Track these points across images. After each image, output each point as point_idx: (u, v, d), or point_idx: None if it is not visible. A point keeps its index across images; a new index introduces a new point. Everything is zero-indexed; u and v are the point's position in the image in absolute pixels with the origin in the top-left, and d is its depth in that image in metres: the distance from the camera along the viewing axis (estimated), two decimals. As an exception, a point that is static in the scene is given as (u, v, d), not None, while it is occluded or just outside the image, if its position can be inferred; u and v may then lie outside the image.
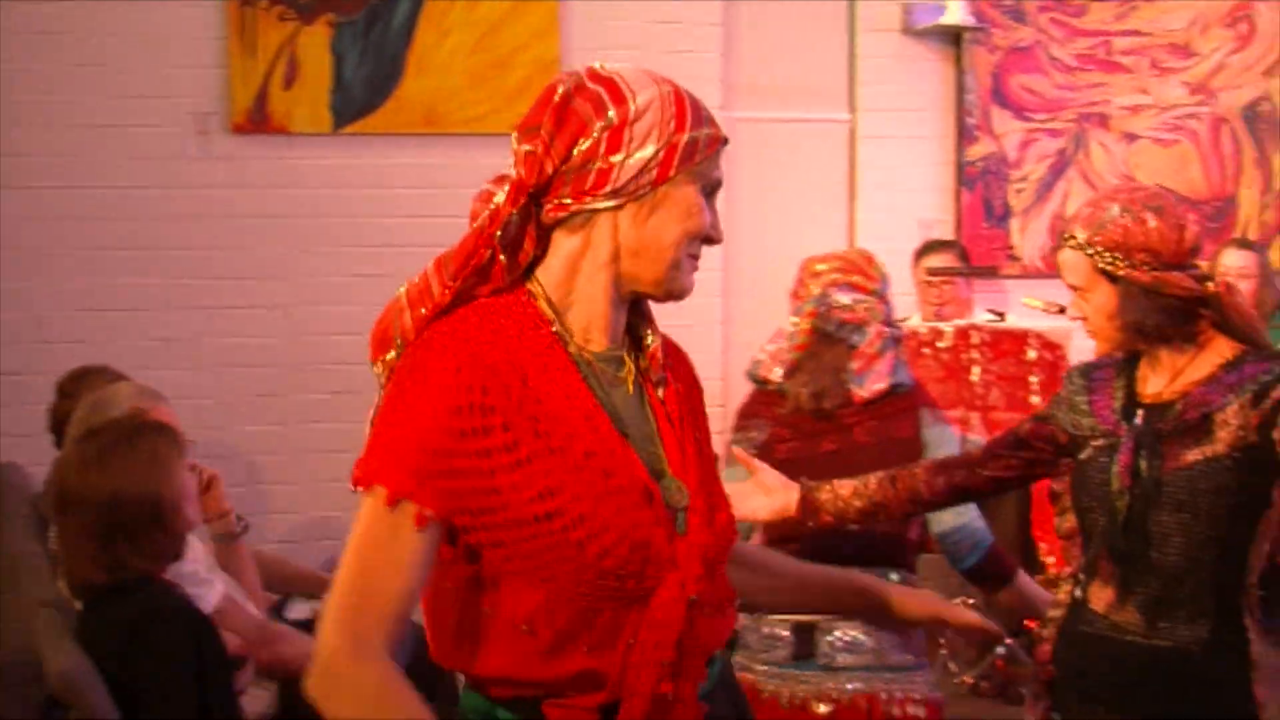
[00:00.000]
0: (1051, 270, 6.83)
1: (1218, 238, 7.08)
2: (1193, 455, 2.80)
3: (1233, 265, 6.63)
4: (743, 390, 4.10)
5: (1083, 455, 2.98)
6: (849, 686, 3.77)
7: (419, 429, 2.02)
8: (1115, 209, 2.88)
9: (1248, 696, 2.81)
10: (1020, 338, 5.67)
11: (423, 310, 2.12)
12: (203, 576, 4.04)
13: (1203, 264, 2.93)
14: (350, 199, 5.95)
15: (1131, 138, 7.14)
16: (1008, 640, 5.67)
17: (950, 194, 6.88)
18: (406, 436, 2.03)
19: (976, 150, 6.93)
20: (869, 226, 6.59)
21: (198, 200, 5.80)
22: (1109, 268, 2.83)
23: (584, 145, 2.08)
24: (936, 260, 6.41)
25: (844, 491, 3.26)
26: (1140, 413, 2.92)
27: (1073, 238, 2.89)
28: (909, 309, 6.26)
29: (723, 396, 6.31)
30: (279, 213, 5.84)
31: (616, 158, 2.07)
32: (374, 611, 2.01)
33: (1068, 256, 2.92)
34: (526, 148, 2.10)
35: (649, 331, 2.25)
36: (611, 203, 2.09)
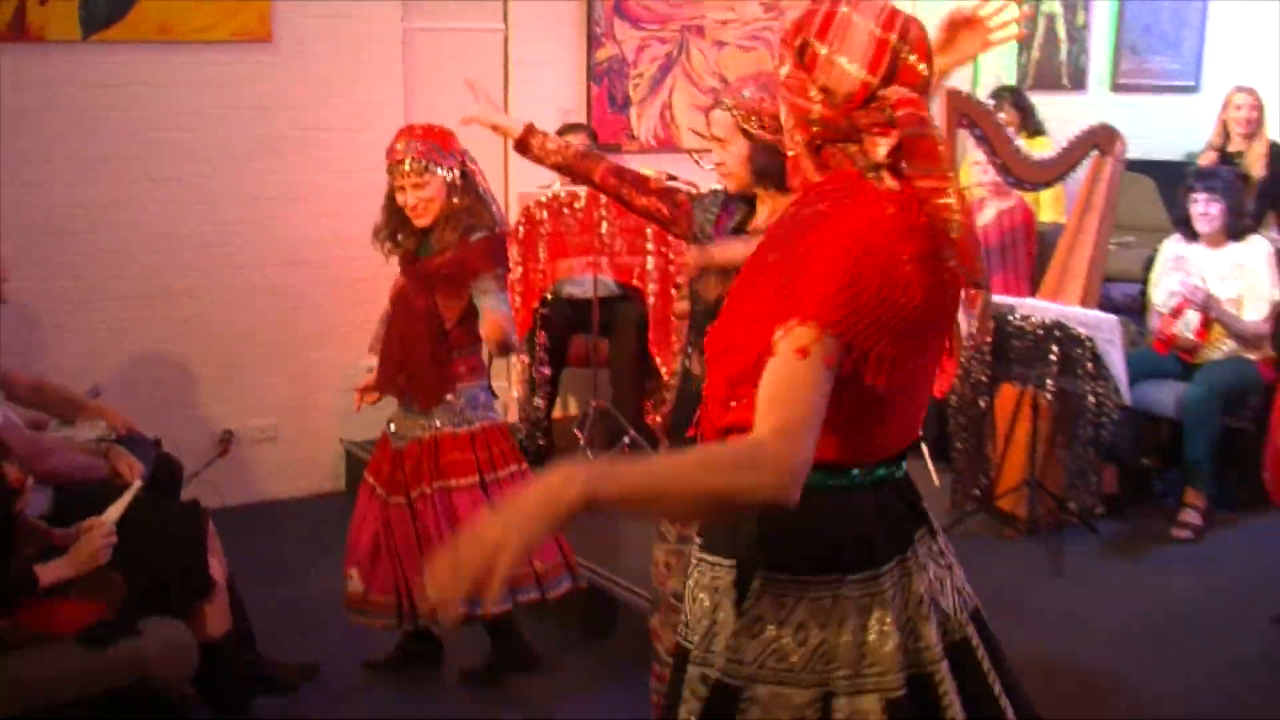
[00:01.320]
0: (662, 147, 7.15)
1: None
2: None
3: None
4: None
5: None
6: None
7: None
8: (752, 87, 3.13)
9: None
10: (638, 200, 5.86)
11: None
12: (-18, 404, 4.02)
13: None
14: (96, 98, 5.83)
15: (721, 45, 7.33)
16: (632, 432, 6.01)
17: (583, 88, 6.99)
18: None
19: (603, 53, 7.03)
20: (519, 114, 6.64)
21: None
22: (745, 125, 3.09)
23: None
24: (572, 139, 6.56)
25: (551, 145, 3.54)
26: (745, 233, 3.19)
27: (725, 103, 3.15)
28: (553, 178, 6.42)
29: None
30: (33, 106, 5.68)
31: None
32: None
33: (719, 115, 3.16)
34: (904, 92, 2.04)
35: None
36: None
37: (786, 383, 1.93)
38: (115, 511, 3.67)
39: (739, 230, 3.25)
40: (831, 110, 2.06)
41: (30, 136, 5.70)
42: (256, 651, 4.19)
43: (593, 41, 7.02)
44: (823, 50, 2.05)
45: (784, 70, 2.12)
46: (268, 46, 6.13)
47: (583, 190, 6.03)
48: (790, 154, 2.15)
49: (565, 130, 6.57)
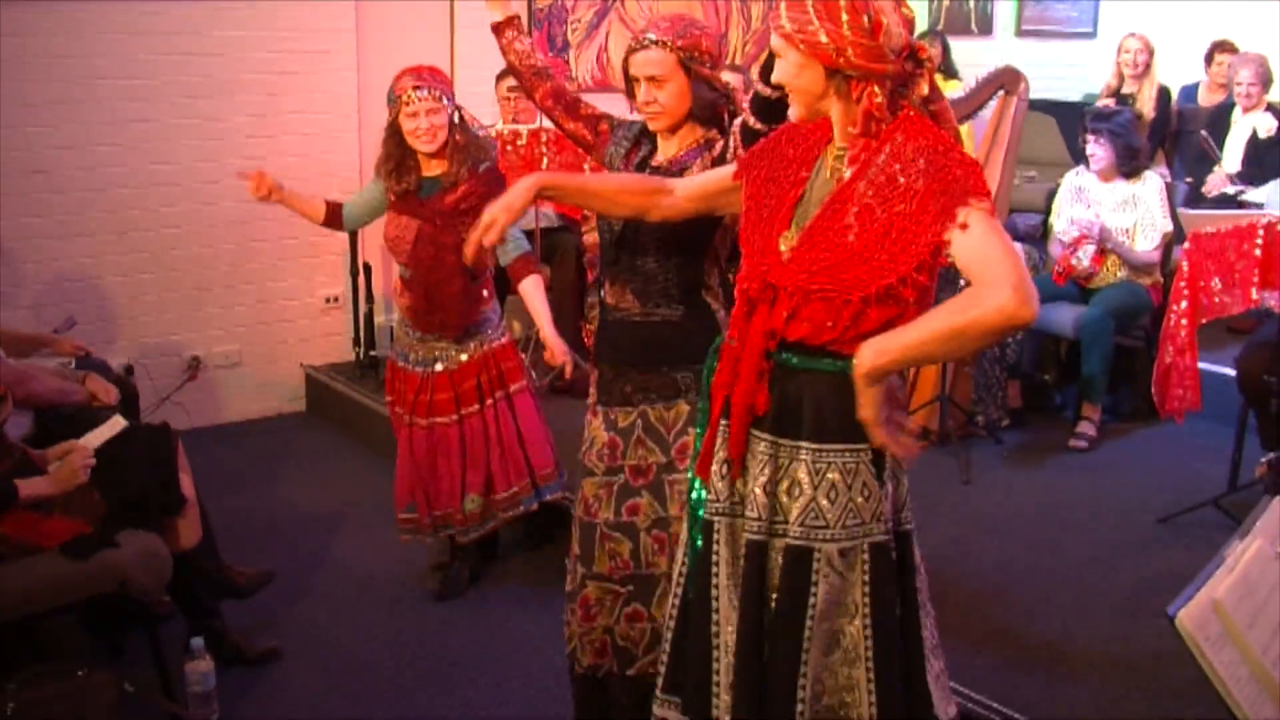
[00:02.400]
0: (598, 86, 7.10)
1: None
2: None
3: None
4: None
5: None
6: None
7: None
8: (686, 24, 3.07)
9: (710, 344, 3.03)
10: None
11: None
12: (-36, 335, 4.04)
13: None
14: (68, 47, 5.75)
15: (658, -8, 7.34)
16: (572, 353, 6.02)
17: (525, 30, 6.94)
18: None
19: (543, 1, 7.02)
20: (466, 57, 6.64)
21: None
22: (688, 61, 3.01)
23: None
24: (513, 79, 6.53)
25: (519, 46, 3.50)
26: (648, 171, 3.15)
27: (661, 41, 3.02)
28: (495, 117, 6.42)
29: (359, 178, 6.46)
30: (8, 56, 5.58)
31: None
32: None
33: (656, 54, 3.02)
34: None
35: None
36: None
37: (996, 235, 2.26)
38: (97, 440, 3.67)
39: (642, 166, 3.19)
40: (896, 65, 2.35)
41: (5, 84, 5.62)
42: (218, 558, 4.21)
43: (536, -12, 6.98)
44: (884, 19, 2.32)
45: (851, 52, 2.33)
46: (227, -2, 6.11)
47: (524, 128, 6.03)
48: (865, 105, 2.36)
49: (506, 72, 6.54)
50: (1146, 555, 4.56)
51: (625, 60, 3.13)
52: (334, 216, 4.48)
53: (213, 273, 6.30)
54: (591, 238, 3.34)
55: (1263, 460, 4.86)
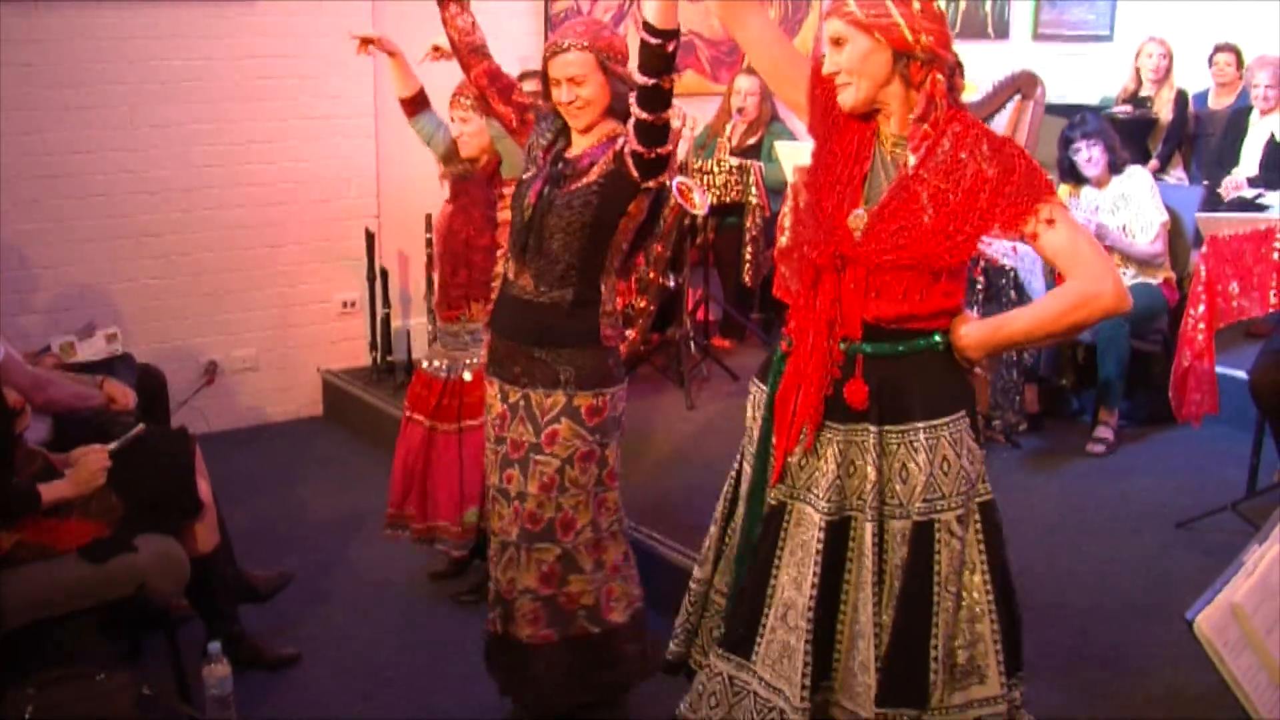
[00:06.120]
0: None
1: (732, 68, 7.42)
2: (575, 185, 3.27)
3: (744, 86, 6.96)
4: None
5: (522, 175, 3.41)
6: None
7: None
8: (600, 28, 3.27)
9: (597, 330, 3.32)
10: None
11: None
12: (-15, 340, 4.06)
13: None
14: (87, 51, 5.78)
15: (670, -5, 7.32)
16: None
17: (541, 37, 6.91)
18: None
19: (560, 4, 7.02)
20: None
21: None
22: (605, 60, 3.20)
23: None
24: (530, 84, 6.54)
25: (460, 23, 3.52)
26: (560, 164, 3.32)
27: (580, 44, 3.19)
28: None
29: (376, 183, 6.48)
30: (28, 60, 5.62)
31: None
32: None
33: (575, 55, 3.19)
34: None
35: None
36: None
37: (1081, 232, 2.52)
38: (115, 444, 3.69)
39: (557, 160, 3.35)
40: (953, 54, 2.54)
41: (25, 88, 5.66)
42: (236, 563, 4.23)
43: (551, -7, 6.98)
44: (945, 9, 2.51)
45: (925, 37, 2.48)
46: (247, 4, 6.09)
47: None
48: (929, 90, 2.51)
49: (525, 76, 6.55)
50: (1164, 560, 4.55)
51: (545, 65, 3.29)
52: (417, 105, 4.51)
53: (229, 277, 6.31)
54: (505, 216, 3.49)
55: (1281, 465, 4.85)
